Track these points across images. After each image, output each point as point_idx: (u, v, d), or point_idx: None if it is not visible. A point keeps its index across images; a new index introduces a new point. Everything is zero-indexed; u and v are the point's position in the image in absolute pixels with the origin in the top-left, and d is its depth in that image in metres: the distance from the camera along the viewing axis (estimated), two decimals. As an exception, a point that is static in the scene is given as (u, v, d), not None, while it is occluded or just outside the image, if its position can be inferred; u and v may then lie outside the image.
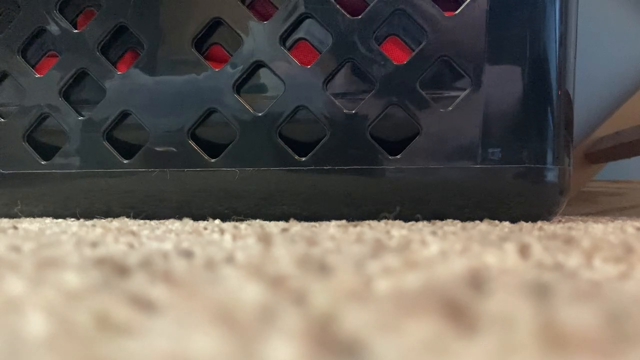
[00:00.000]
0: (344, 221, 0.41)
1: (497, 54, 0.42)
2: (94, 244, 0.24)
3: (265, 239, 0.25)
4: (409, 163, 0.43)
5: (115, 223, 0.40)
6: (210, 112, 0.46)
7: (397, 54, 0.45)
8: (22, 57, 0.49)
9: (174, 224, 0.39)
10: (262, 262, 0.18)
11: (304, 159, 0.44)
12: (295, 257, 0.19)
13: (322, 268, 0.17)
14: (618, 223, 0.43)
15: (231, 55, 0.46)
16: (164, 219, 0.46)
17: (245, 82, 0.46)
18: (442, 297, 0.12)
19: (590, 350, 0.09)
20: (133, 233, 0.30)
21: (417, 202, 0.43)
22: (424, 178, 0.43)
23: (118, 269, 0.17)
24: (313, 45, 0.49)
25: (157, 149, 0.47)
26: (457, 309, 0.11)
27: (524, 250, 0.21)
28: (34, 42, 0.50)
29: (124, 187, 0.47)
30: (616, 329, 0.10)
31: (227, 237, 0.28)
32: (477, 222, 0.41)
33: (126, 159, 0.47)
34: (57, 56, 0.49)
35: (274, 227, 0.35)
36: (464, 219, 0.43)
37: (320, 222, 0.41)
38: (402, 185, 0.44)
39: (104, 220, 0.43)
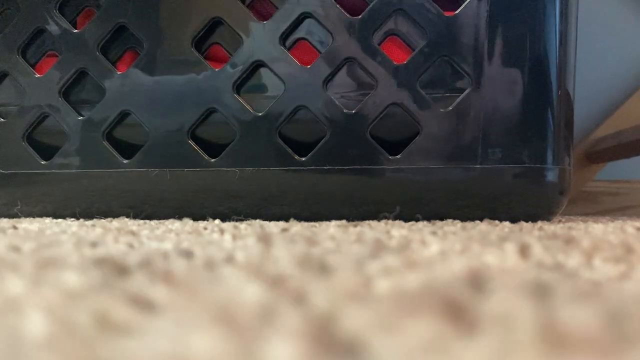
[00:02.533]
0: (344, 221, 0.41)
1: (497, 54, 0.42)
2: (94, 244, 0.24)
3: (265, 239, 0.25)
4: (409, 163, 0.43)
5: (115, 223, 0.40)
6: (210, 112, 0.46)
7: (397, 54, 0.45)
8: (22, 57, 0.49)
9: (174, 224, 0.39)
10: (262, 262, 0.18)
11: (304, 159, 0.44)
12: (295, 257, 0.19)
13: (322, 268, 0.17)
14: (618, 223, 0.43)
15: (231, 55, 0.46)
16: (164, 219, 0.46)
17: (245, 82, 0.46)
18: (442, 297, 0.12)
19: (590, 350, 0.09)
20: (133, 233, 0.30)
21: (417, 202, 0.43)
22: (424, 178, 0.43)
23: (118, 269, 0.17)
24: (313, 45, 0.49)
25: (157, 149, 0.47)
26: (457, 309, 0.11)
27: (524, 250, 0.21)
28: (34, 42, 0.50)
29: (124, 187, 0.47)
30: (616, 329, 0.10)
31: (227, 237, 0.28)
32: (477, 222, 0.41)
33: (126, 159, 0.47)
34: (57, 56, 0.49)
35: (274, 227, 0.35)
36: (464, 219, 0.43)
37: (320, 222, 0.41)
38: (402, 185, 0.44)
39: (104, 220, 0.43)
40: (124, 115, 0.47)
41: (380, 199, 0.44)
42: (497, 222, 0.41)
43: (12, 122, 0.49)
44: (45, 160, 0.49)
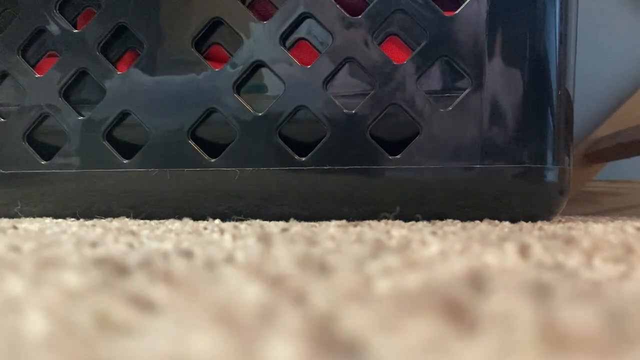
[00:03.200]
0: (344, 221, 0.41)
1: (497, 54, 0.42)
2: (94, 244, 0.24)
3: (265, 239, 0.25)
4: (409, 163, 0.43)
5: (115, 223, 0.40)
6: (210, 112, 0.46)
7: (397, 54, 0.45)
8: (22, 57, 0.49)
9: (174, 224, 0.39)
10: (262, 262, 0.18)
11: (304, 159, 0.44)
12: (295, 257, 0.19)
13: (322, 268, 0.17)
14: (618, 223, 0.43)
15: (231, 55, 0.46)
16: (164, 219, 0.46)
17: (245, 82, 0.46)
18: (442, 297, 0.12)
19: (590, 350, 0.09)
20: (133, 233, 0.30)
21: (417, 202, 0.43)
22: (424, 178, 0.43)
23: (118, 269, 0.17)
24: (313, 45, 0.49)
25: (157, 149, 0.47)
26: (457, 309, 0.11)
27: (524, 250, 0.21)
28: (34, 42, 0.50)
29: (124, 187, 0.47)
30: (616, 329, 0.10)
31: (227, 237, 0.28)
32: (477, 222, 0.41)
33: (126, 159, 0.47)
34: (57, 56, 0.49)
35: (274, 227, 0.35)
36: (464, 219, 0.43)
37: (320, 222, 0.41)
38: (402, 185, 0.44)
39: (104, 220, 0.43)
40: (124, 115, 0.47)
41: (380, 199, 0.44)
42: (497, 222, 0.41)
43: (12, 122, 0.49)
44: (45, 160, 0.49)
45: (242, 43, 0.45)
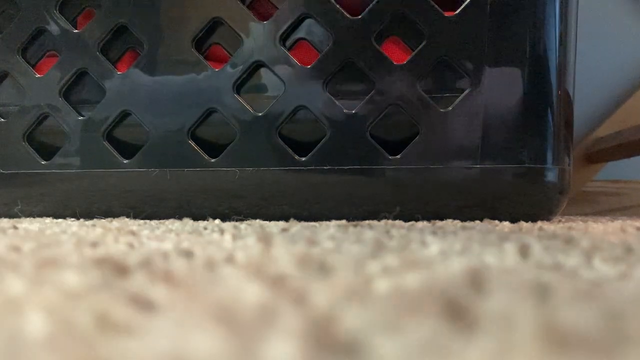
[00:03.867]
0: (344, 221, 0.41)
1: (497, 54, 0.42)
2: (94, 244, 0.24)
3: (265, 239, 0.25)
4: (409, 163, 0.43)
5: (115, 223, 0.40)
6: (210, 112, 0.46)
7: (397, 54, 0.45)
8: (22, 57, 0.49)
9: (174, 224, 0.39)
10: (262, 262, 0.18)
11: (304, 159, 0.44)
12: (295, 257, 0.19)
13: (322, 268, 0.17)
14: (618, 223, 0.43)
15: (231, 55, 0.46)
16: (164, 219, 0.46)
17: (245, 82, 0.46)
18: (442, 297, 0.12)
19: (590, 350, 0.09)
20: (133, 233, 0.30)
21: (417, 202, 0.43)
22: (424, 178, 0.43)
23: (118, 269, 0.17)
24: (313, 45, 0.49)
25: (157, 149, 0.47)
26: (457, 309, 0.11)
27: (524, 250, 0.21)
28: (34, 42, 0.50)
29: (124, 187, 0.47)
30: (616, 329, 0.10)
31: (227, 237, 0.28)
32: (477, 222, 0.41)
33: (126, 159, 0.47)
34: (57, 56, 0.49)
35: (274, 227, 0.35)
36: (464, 219, 0.43)
37: (320, 222, 0.41)
38: (402, 185, 0.44)
39: (104, 220, 0.43)
40: (124, 115, 0.47)
41: (380, 199, 0.44)
42: (497, 222, 0.41)
43: (12, 122, 0.49)
44: (45, 160, 0.49)
45: (242, 43, 0.45)
